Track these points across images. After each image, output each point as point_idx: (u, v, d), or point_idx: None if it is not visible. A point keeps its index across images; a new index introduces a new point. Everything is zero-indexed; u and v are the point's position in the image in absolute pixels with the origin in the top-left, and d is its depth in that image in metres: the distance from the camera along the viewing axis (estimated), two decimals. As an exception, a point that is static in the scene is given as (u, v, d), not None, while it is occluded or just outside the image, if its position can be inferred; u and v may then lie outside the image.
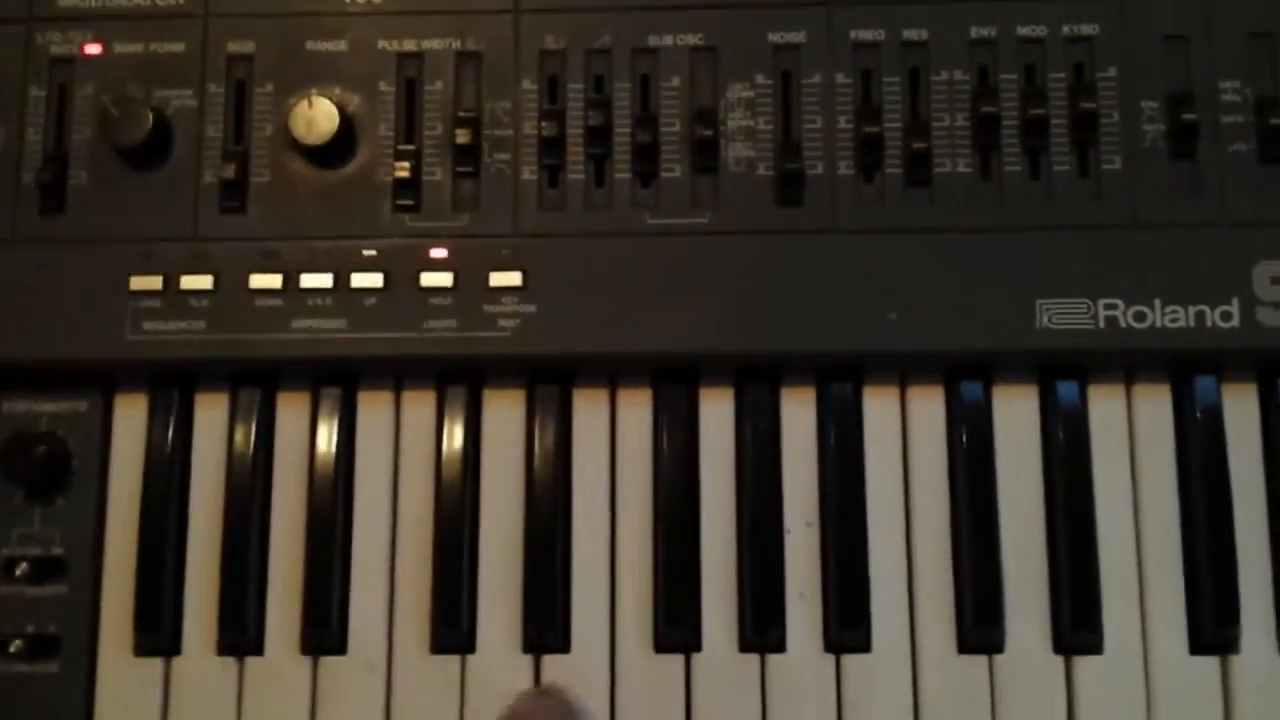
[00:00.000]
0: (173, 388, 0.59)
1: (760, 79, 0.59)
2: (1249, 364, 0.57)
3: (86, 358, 0.58)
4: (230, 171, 0.58)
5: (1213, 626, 0.55)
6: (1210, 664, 0.55)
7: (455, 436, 0.58)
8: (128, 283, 0.58)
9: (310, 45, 0.60)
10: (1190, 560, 0.57)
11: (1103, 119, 0.57)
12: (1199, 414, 0.57)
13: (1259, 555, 0.56)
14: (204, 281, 0.58)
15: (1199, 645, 0.56)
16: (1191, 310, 0.56)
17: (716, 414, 0.59)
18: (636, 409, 0.59)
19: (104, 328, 0.58)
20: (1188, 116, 0.56)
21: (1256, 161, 0.57)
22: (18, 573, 0.58)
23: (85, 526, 0.58)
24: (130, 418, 0.59)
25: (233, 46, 0.60)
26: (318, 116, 0.58)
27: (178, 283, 0.58)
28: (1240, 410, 0.57)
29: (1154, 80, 0.58)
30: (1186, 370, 0.57)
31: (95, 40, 0.60)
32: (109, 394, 0.60)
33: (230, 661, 0.57)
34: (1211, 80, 0.57)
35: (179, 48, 0.60)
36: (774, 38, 0.59)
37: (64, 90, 0.60)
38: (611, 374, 0.59)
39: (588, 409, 0.59)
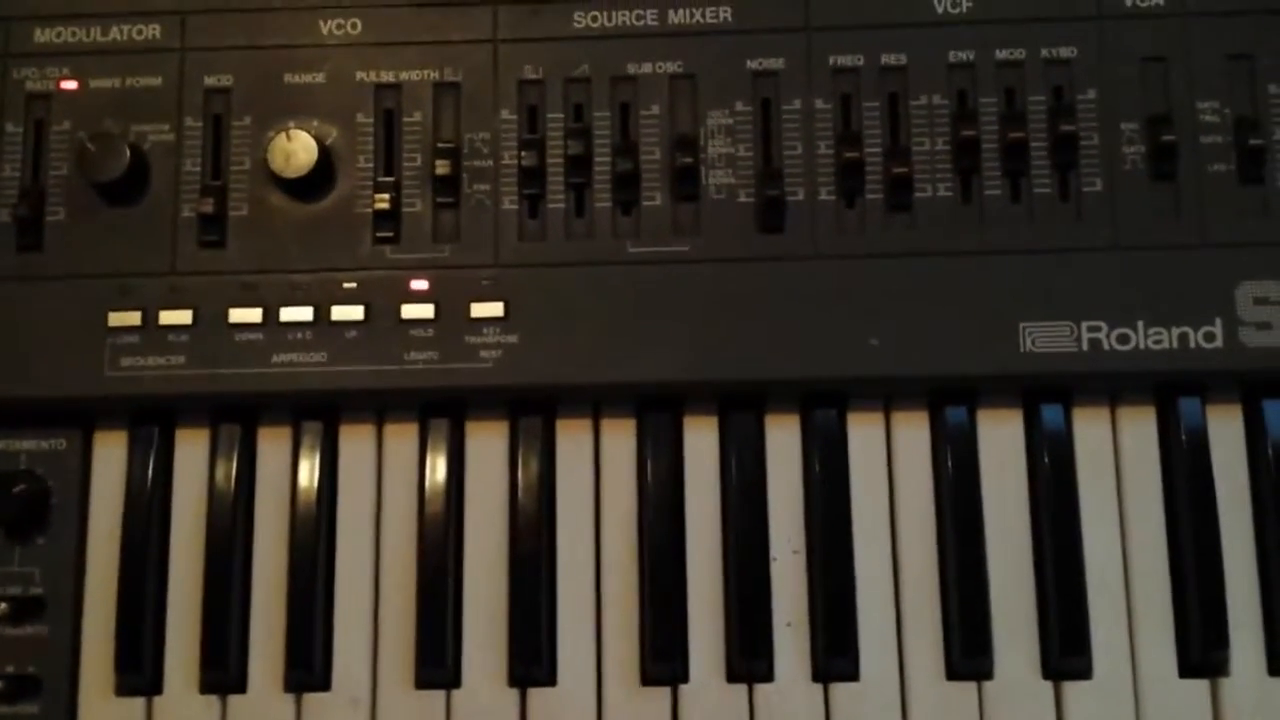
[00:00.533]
0: (152, 424, 0.59)
1: (740, 106, 0.59)
2: (1233, 385, 0.57)
3: (65, 395, 0.57)
4: (208, 206, 0.58)
5: (1202, 649, 0.55)
6: (1200, 687, 0.55)
7: (438, 469, 0.58)
8: (106, 319, 0.57)
9: (288, 78, 0.60)
10: (1178, 583, 0.56)
11: (1082, 141, 0.57)
12: (1184, 436, 0.57)
13: (1247, 577, 0.56)
14: (183, 317, 0.57)
15: (1188, 668, 0.55)
16: (1175, 331, 0.56)
17: (701, 442, 0.58)
18: (620, 438, 0.59)
19: (82, 364, 0.57)
20: (1167, 138, 0.57)
21: (1236, 182, 0.57)
22: (-19, 612, 0.57)
23: (65, 565, 0.58)
24: (110, 455, 0.59)
25: (210, 80, 0.60)
26: (296, 149, 0.58)
27: (157, 318, 0.57)
28: (1225, 431, 0.57)
29: (1133, 102, 0.58)
30: (1171, 392, 0.57)
31: (72, 76, 0.60)
32: (88, 431, 0.59)
33: (213, 700, 0.57)
34: (1190, 102, 0.57)
35: (156, 82, 0.60)
36: (753, 65, 0.59)
37: (40, 126, 0.60)
38: (595, 403, 0.59)
39: (571, 439, 0.59)
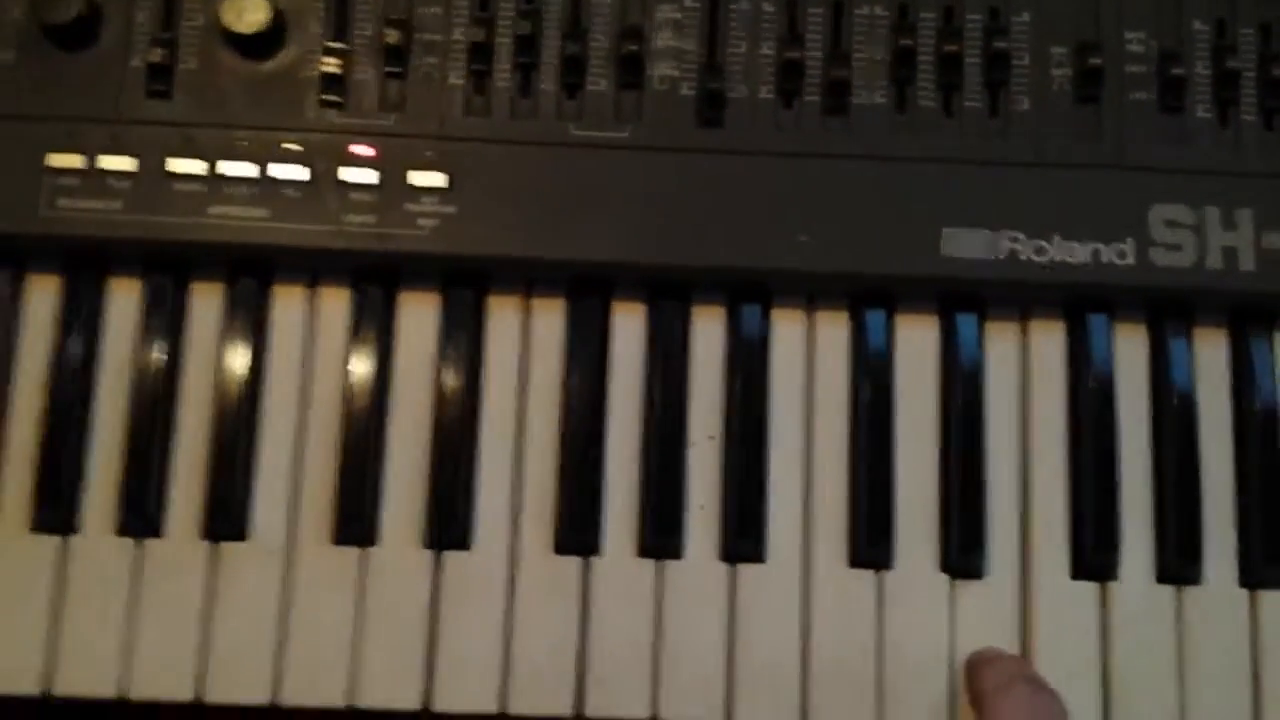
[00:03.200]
0: (86, 271, 0.59)
1: (688, 2, 0.60)
2: (1140, 303, 0.59)
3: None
4: (157, 55, 0.59)
5: (1093, 552, 0.57)
6: (1090, 589, 0.58)
7: (367, 334, 0.59)
8: (46, 159, 0.58)
9: (245, -61, 0.60)
10: (1076, 492, 0.59)
11: (1014, 61, 0.59)
12: (1090, 351, 0.59)
13: (1141, 489, 0.59)
14: (124, 163, 0.58)
15: (1080, 571, 0.58)
16: (1089, 247, 0.58)
17: (628, 326, 0.60)
18: (550, 318, 0.60)
19: (19, 203, 0.57)
20: (1094, 61, 0.59)
21: (1157, 110, 0.59)
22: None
23: (-13, 403, 0.58)
24: (42, 298, 0.59)
25: (167, -67, 0.60)
26: (249, 5, 0.58)
27: (96, 162, 0.58)
28: (1130, 349, 0.60)
29: (1064, 28, 0.60)
30: (1080, 309, 0.60)
31: (29, -80, 0.60)
32: (20, 271, 0.59)
33: (129, 543, 0.57)
34: (1118, 32, 0.60)
35: (113, -67, 0.60)
36: (704, -38, 0.60)
37: (-8, -34, 0.60)
38: (527, 283, 0.60)
39: (502, 315, 0.60)
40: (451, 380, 0.59)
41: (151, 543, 0.57)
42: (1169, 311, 0.59)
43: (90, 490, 0.58)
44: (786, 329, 0.60)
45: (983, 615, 0.57)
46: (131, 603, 0.57)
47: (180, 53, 0.59)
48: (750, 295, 0.60)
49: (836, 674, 0.57)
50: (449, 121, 0.59)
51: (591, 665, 0.57)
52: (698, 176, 0.58)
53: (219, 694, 0.56)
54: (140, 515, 0.57)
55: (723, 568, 0.58)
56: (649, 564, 0.57)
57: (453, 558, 0.57)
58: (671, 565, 0.57)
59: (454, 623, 0.57)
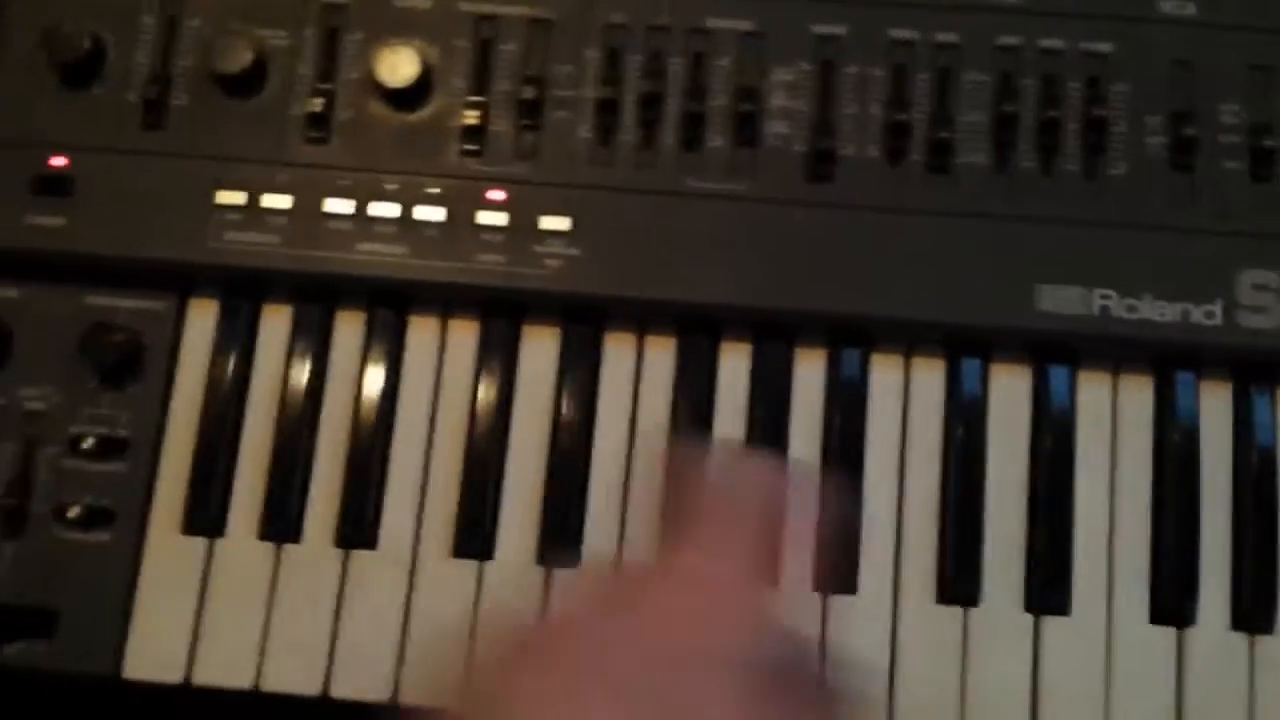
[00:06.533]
0: (242, 298, 0.65)
1: (802, 65, 0.64)
2: (1226, 362, 0.62)
3: (171, 259, 0.63)
4: (317, 105, 0.64)
5: (1172, 598, 0.60)
6: (1168, 633, 0.60)
7: (493, 364, 0.64)
8: (214, 196, 0.64)
9: (399, 1, 0.66)
10: (1158, 539, 0.61)
11: (1111, 128, 0.63)
12: (1177, 405, 0.62)
13: (1220, 541, 0.61)
14: (283, 201, 0.64)
15: (1159, 615, 0.60)
16: (1179, 306, 0.61)
17: (733, 365, 0.64)
18: (661, 354, 0.64)
19: (189, 234, 0.63)
20: (1188, 132, 0.62)
21: (1248, 179, 0.62)
22: (83, 447, 0.63)
23: (150, 413, 0.64)
24: (202, 320, 0.65)
25: (328, -4, 0.66)
26: (401, 62, 0.64)
27: (259, 200, 0.64)
28: (1215, 406, 0.62)
29: (1160, 98, 0.63)
30: (1169, 366, 0.62)
31: (218, -21, 0.66)
32: (185, 297, 0.65)
33: (270, 546, 0.62)
34: (1212, 103, 0.63)
35: (280, -7, 0.66)
36: (818, 29, 0.64)
37: (173, 21, 0.66)
38: (641, 321, 0.65)
39: (616, 350, 0.64)
40: (568, 408, 0.63)
41: (289, 548, 0.62)
42: (1254, 371, 0.62)
43: (237, 497, 0.63)
44: (884, 372, 0.64)
45: (1065, 654, 0.60)
46: (269, 603, 0.62)
47: (337, 102, 0.65)
48: (851, 340, 0.63)
49: (921, 707, 0.60)
50: (576, 171, 0.64)
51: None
52: (805, 228, 0.63)
53: (344, 690, 0.61)
54: (281, 522, 0.63)
55: (815, 598, 0.61)
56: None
57: (564, 575, 0.62)
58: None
59: (562, 635, 0.61)
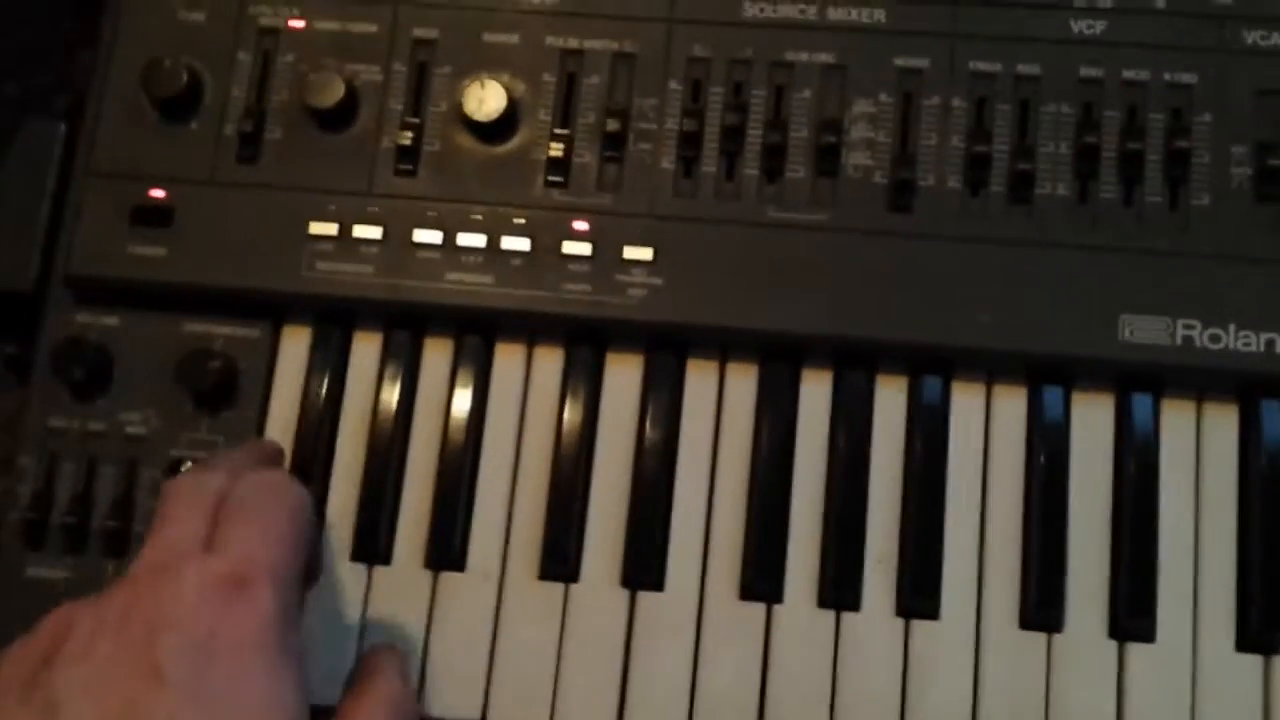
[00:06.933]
0: (334, 325, 0.67)
1: (883, 97, 0.65)
2: (1313, 391, 0.62)
3: (266, 288, 0.65)
4: (406, 139, 0.66)
5: (1259, 628, 0.60)
6: (1254, 661, 0.60)
7: (578, 390, 0.65)
8: (307, 227, 0.66)
9: (487, 36, 0.68)
10: (1244, 568, 0.61)
11: (1194, 159, 0.63)
12: (1263, 434, 0.62)
13: (1309, 570, 0.61)
14: (374, 231, 0.65)
15: (1245, 644, 0.60)
16: (1263, 337, 0.61)
17: (815, 393, 0.65)
18: (743, 381, 0.65)
19: (284, 264, 0.65)
20: (1273, 163, 0.62)
21: (1334, 210, 0.62)
22: (182, 470, 0.65)
23: (245, 437, 0.66)
24: (295, 346, 0.67)
25: (418, 32, 0.68)
26: (488, 96, 0.66)
27: (351, 230, 0.65)
28: (1301, 434, 0.62)
29: (1245, 129, 0.63)
30: (1253, 394, 0.62)
31: (300, 16, 0.68)
32: (279, 324, 0.67)
33: (361, 568, 0.64)
34: (1296, 133, 0.63)
35: (372, 29, 0.68)
36: (899, 62, 0.65)
37: (267, 57, 0.68)
38: (723, 349, 0.66)
39: (699, 377, 0.65)
40: (652, 435, 0.64)
41: (379, 569, 0.64)
42: (1339, 400, 0.62)
43: (330, 519, 0.65)
44: (965, 400, 0.64)
45: (1150, 682, 0.60)
46: (360, 624, 0.63)
47: (426, 136, 0.67)
48: (932, 368, 0.64)
49: (1004, 732, 0.60)
50: (659, 201, 0.65)
51: (770, 705, 0.61)
52: (887, 257, 0.63)
53: (434, 709, 0.62)
54: (372, 545, 0.64)
55: (899, 622, 0.62)
56: (827, 615, 0.62)
57: (646, 597, 0.63)
58: (848, 617, 0.62)
59: (645, 657, 0.62)
